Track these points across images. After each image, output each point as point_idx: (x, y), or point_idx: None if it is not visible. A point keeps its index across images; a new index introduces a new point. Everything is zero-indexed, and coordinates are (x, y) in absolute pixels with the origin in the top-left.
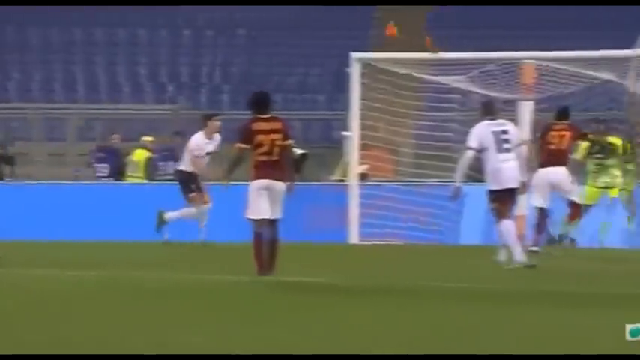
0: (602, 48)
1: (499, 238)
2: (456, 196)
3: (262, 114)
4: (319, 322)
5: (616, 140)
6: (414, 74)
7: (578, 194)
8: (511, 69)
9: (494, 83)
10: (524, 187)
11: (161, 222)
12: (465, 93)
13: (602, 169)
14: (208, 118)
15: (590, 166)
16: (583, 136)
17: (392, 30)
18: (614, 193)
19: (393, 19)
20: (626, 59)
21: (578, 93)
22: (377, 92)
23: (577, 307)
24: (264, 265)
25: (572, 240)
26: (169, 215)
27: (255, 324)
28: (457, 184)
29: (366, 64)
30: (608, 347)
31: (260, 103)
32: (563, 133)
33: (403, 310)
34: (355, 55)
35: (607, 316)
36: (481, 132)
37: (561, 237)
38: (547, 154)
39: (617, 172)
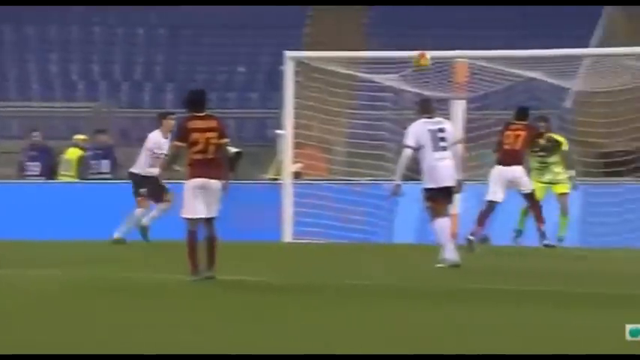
0: (532, 47)
1: (435, 237)
2: (396, 193)
3: (198, 112)
4: (258, 321)
5: (560, 138)
6: (348, 73)
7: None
8: (444, 68)
9: (428, 82)
10: (460, 185)
11: (143, 232)
12: (398, 92)
13: (545, 166)
14: (163, 116)
15: (534, 163)
16: (539, 136)
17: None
18: (558, 189)
19: (328, 18)
20: (559, 58)
21: (502, 91)
22: (311, 91)
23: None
24: (197, 264)
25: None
26: (145, 221)
27: (200, 323)
28: (397, 182)
29: (300, 63)
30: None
31: (196, 102)
32: (519, 132)
33: (338, 308)
34: (289, 54)
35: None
36: (418, 130)
37: (519, 232)
38: (503, 153)
39: (559, 169)
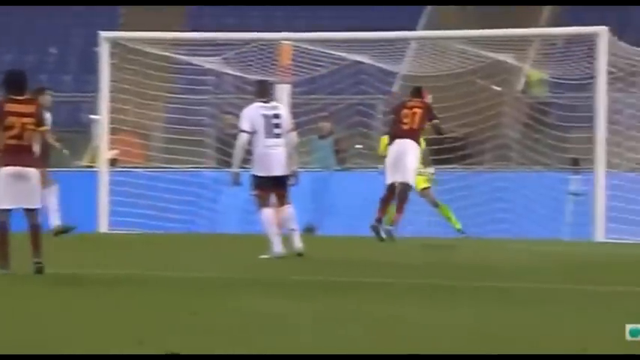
0: (359, 29)
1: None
2: (235, 181)
3: (16, 95)
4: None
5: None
6: (167, 55)
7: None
8: (268, 50)
9: (250, 65)
10: (296, 177)
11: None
12: (219, 75)
13: None
14: (39, 92)
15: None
16: (434, 117)
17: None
18: (418, 185)
19: None
20: (386, 40)
21: (328, 75)
22: (127, 73)
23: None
24: (6, 257)
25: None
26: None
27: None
28: (235, 170)
29: (116, 44)
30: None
31: (14, 83)
32: (416, 110)
33: (158, 300)
34: (104, 34)
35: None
36: (252, 114)
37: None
38: (401, 132)
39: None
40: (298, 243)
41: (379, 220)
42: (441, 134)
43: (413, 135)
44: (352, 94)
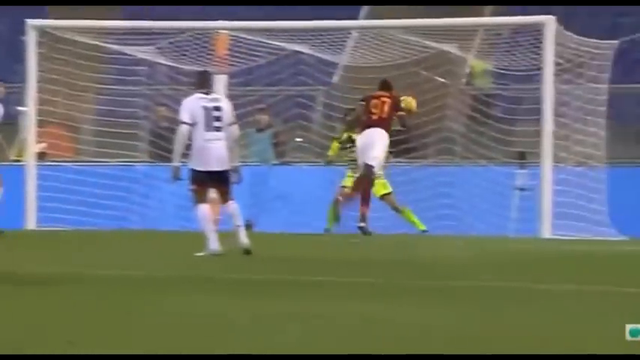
0: (298, 18)
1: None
2: (176, 176)
3: None
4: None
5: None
6: (97, 44)
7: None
8: (204, 40)
9: (185, 55)
10: (238, 173)
11: None
12: (153, 65)
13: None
14: None
15: (346, 159)
16: (400, 109)
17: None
18: (380, 189)
19: None
20: (326, 30)
21: (266, 65)
22: (55, 63)
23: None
24: None
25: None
26: None
27: None
28: (176, 164)
29: (44, 32)
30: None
31: None
32: (384, 99)
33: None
34: (31, 22)
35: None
36: (192, 106)
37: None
38: (371, 122)
39: None
40: (244, 239)
41: (364, 218)
42: (405, 127)
43: (382, 124)
44: (291, 85)
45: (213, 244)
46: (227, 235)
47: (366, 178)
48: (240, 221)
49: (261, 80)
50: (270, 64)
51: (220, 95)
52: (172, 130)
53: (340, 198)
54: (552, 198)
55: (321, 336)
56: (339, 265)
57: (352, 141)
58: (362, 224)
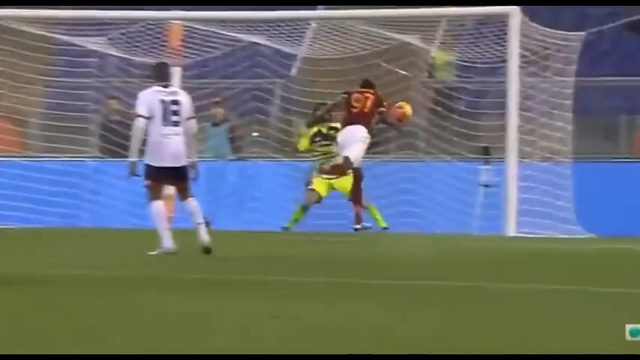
0: (254, 8)
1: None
2: (133, 172)
3: None
4: None
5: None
6: (45, 34)
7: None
8: (156, 30)
9: (138, 46)
10: (196, 169)
11: None
12: (103, 57)
13: (330, 156)
14: None
15: (316, 154)
16: (382, 106)
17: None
18: (344, 182)
19: None
20: (283, 20)
21: (221, 57)
22: (1, 54)
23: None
24: None
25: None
26: None
27: None
28: (132, 159)
29: None
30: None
31: None
32: (368, 95)
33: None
34: None
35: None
36: (149, 99)
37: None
38: (352, 117)
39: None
40: (205, 237)
41: (359, 219)
42: (386, 124)
43: (363, 119)
44: (248, 77)
45: (167, 242)
46: (182, 234)
47: (344, 169)
48: (200, 219)
49: (217, 72)
50: (225, 56)
51: (179, 89)
52: (124, 124)
53: (305, 203)
54: (517, 194)
55: (281, 336)
56: (299, 264)
57: (323, 135)
58: (357, 226)
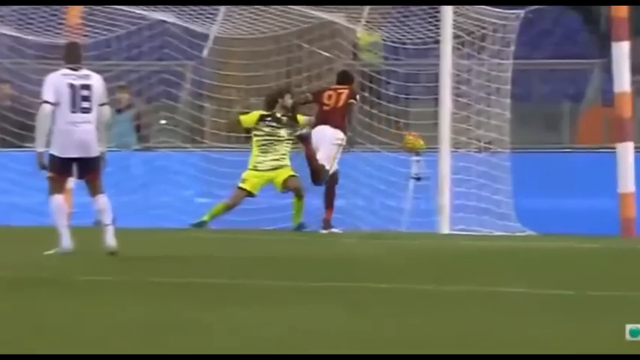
0: None
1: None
2: (41, 164)
3: None
4: None
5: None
6: None
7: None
8: (53, 7)
9: (32, 24)
10: (103, 160)
11: None
12: None
13: (274, 141)
14: None
15: (259, 135)
16: (354, 98)
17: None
18: (283, 174)
19: None
20: None
21: (125, 37)
22: None
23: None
24: None
25: None
26: None
27: None
28: (39, 150)
29: None
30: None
31: None
32: (341, 91)
33: None
34: None
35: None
36: (56, 82)
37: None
38: (320, 116)
39: (285, 150)
40: (111, 240)
41: (327, 223)
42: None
43: (334, 115)
44: (155, 59)
45: (66, 241)
46: (80, 231)
47: (320, 179)
48: (109, 219)
49: (121, 54)
50: (130, 35)
51: (91, 71)
52: (16, 110)
53: (230, 202)
54: (451, 188)
55: (193, 345)
56: (211, 265)
57: (274, 117)
58: (324, 231)
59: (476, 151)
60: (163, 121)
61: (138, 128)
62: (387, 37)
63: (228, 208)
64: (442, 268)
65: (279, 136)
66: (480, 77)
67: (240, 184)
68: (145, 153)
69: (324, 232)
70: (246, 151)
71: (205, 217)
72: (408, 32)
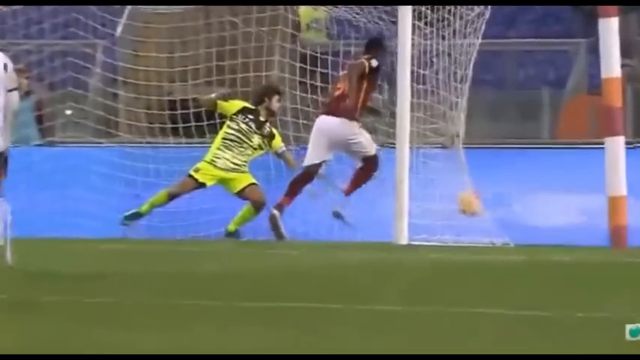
0: None
1: None
2: None
3: None
4: None
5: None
6: None
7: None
8: None
9: None
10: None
11: None
12: None
13: (238, 142)
14: None
15: (229, 131)
16: None
17: None
18: (243, 180)
19: None
20: None
21: (24, 12)
22: None
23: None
24: None
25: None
26: None
27: None
28: None
29: None
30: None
31: None
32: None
33: None
34: None
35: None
36: None
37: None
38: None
39: (250, 153)
40: (9, 257)
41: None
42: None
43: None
44: (59, 38)
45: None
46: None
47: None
48: (9, 232)
49: (18, 31)
50: (27, 10)
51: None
52: None
53: (175, 190)
54: (410, 190)
55: None
56: (123, 282)
57: (256, 119)
58: (275, 211)
59: (440, 147)
60: (69, 112)
61: (39, 120)
62: (335, 13)
63: (172, 196)
64: (396, 285)
65: (250, 141)
66: (443, 60)
67: (193, 172)
68: (50, 149)
69: (275, 212)
70: (172, 145)
71: (143, 207)
72: (354, 8)
